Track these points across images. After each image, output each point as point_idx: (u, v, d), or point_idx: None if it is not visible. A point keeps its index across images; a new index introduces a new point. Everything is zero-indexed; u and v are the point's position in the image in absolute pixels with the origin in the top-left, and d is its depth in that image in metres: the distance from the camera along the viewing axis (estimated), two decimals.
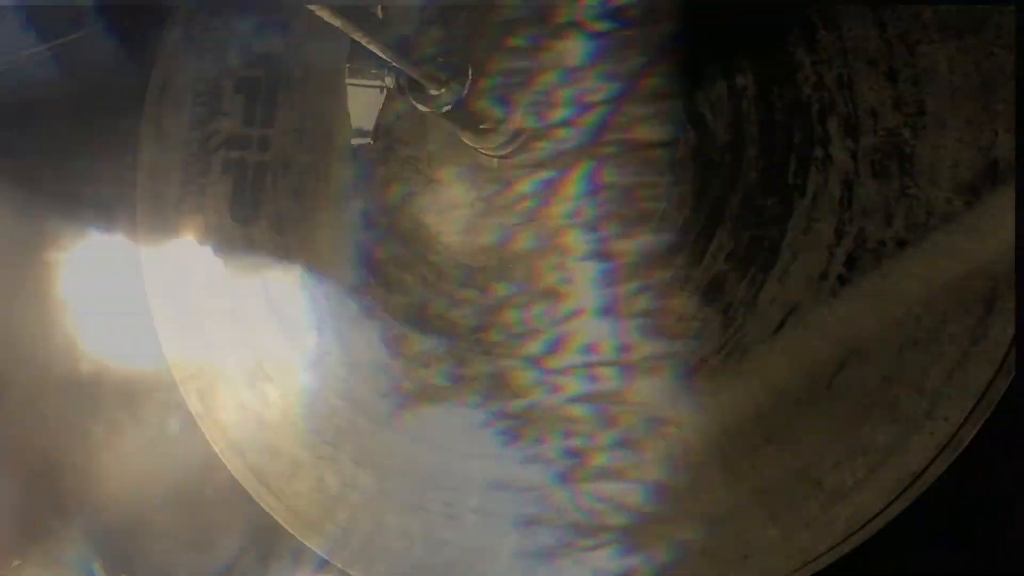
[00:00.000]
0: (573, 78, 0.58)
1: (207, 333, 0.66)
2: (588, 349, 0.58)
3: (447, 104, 0.50)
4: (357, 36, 0.49)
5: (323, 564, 0.63)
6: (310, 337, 0.64)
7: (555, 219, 0.59)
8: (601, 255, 0.58)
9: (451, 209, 0.61)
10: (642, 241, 0.57)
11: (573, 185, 0.58)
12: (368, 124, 0.52)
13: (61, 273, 0.77)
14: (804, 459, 0.54)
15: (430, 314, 0.62)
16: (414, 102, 0.50)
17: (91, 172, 0.79)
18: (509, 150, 0.57)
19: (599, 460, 0.56)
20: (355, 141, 0.54)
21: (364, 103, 0.53)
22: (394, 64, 0.49)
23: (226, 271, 0.66)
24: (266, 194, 0.67)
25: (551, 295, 0.59)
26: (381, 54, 0.48)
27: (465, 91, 0.50)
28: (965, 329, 0.52)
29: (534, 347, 0.60)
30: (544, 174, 0.58)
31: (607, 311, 0.58)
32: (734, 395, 0.56)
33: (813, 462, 0.54)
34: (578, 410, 0.58)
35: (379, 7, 0.51)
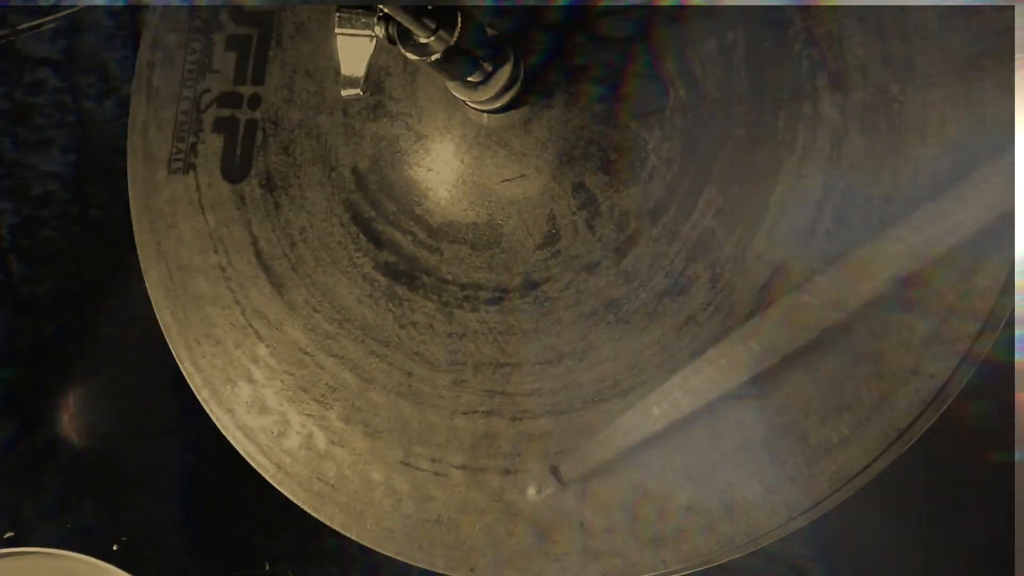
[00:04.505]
0: (563, 33, 0.58)
1: (197, 290, 0.66)
2: (576, 303, 0.58)
3: (435, 53, 0.50)
4: None
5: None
6: (299, 294, 0.64)
7: (544, 175, 0.59)
8: (591, 211, 0.58)
9: (441, 165, 0.61)
10: (631, 197, 0.57)
11: (562, 141, 0.58)
12: (358, 72, 0.52)
13: None
14: (790, 415, 0.54)
15: (420, 271, 0.62)
16: (403, 50, 0.50)
17: None
18: (498, 104, 0.57)
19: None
20: (345, 92, 0.54)
21: (354, 52, 0.53)
22: (383, 11, 0.49)
23: (216, 228, 0.66)
24: (256, 152, 0.67)
25: (541, 250, 0.59)
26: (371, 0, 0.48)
27: (454, 40, 0.50)
28: (951, 284, 0.52)
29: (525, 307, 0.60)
30: (533, 129, 0.58)
31: (594, 267, 0.58)
32: (720, 351, 0.56)
33: (799, 418, 0.54)
34: (566, 363, 0.58)
35: None
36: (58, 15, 1.00)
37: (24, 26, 1.03)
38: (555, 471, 0.57)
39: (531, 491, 0.58)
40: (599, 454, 0.57)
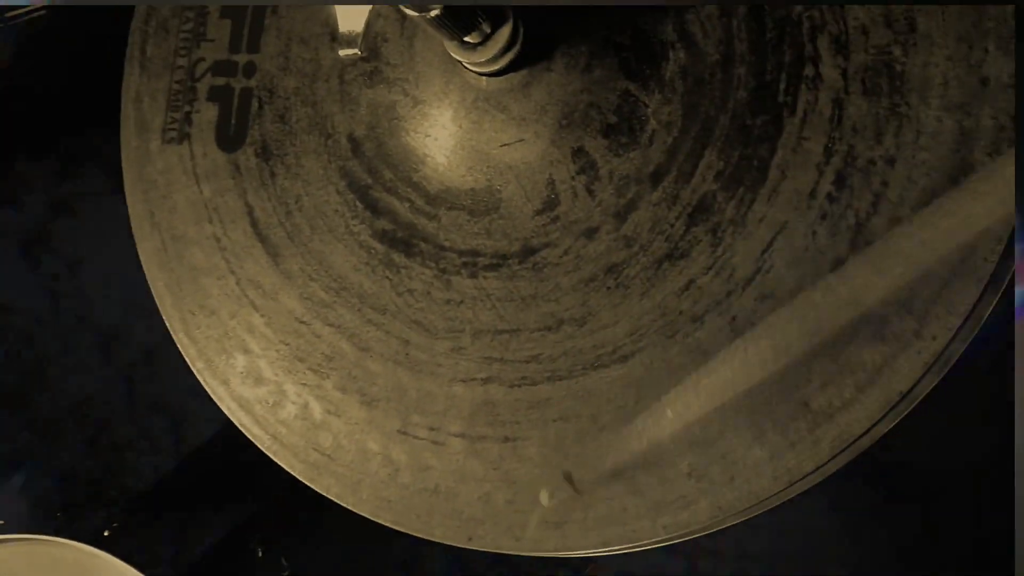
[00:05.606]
0: None
1: (191, 261, 0.66)
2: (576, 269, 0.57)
3: (434, 8, 0.50)
4: None
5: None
6: (295, 263, 0.64)
7: (543, 139, 0.58)
8: (590, 176, 0.58)
9: (438, 131, 0.61)
10: (631, 161, 0.57)
11: (562, 105, 0.57)
12: (356, 29, 0.51)
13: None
14: (791, 379, 0.54)
15: (417, 238, 0.61)
16: (402, 6, 0.49)
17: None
18: (497, 67, 0.56)
19: None
20: (342, 52, 0.54)
21: (352, 10, 0.52)
22: None
23: (211, 198, 0.66)
24: (251, 120, 0.66)
25: (540, 216, 0.58)
26: None
27: None
28: (953, 248, 0.52)
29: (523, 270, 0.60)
30: (533, 93, 0.58)
31: (594, 232, 0.57)
32: (721, 315, 0.55)
33: (800, 382, 0.54)
34: (566, 329, 0.57)
35: None
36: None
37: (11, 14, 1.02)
38: (569, 477, 0.57)
39: (544, 496, 0.57)
40: (612, 458, 0.56)
